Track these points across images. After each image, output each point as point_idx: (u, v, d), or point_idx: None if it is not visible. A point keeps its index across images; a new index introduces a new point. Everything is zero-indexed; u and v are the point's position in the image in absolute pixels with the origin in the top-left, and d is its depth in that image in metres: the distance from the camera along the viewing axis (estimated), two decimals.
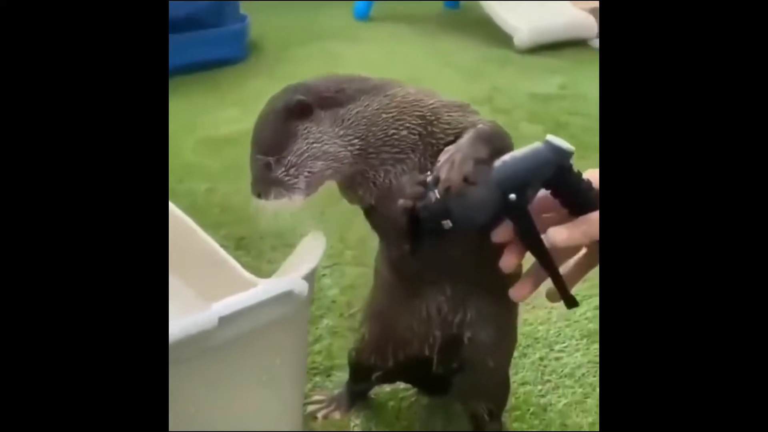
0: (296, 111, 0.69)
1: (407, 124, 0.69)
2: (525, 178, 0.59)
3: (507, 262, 0.62)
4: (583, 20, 2.86)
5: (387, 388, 0.95)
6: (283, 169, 0.69)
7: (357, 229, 1.39)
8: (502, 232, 0.61)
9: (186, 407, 0.59)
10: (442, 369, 0.81)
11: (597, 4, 2.94)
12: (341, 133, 0.69)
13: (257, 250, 1.29)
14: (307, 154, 0.69)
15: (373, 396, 0.94)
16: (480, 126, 0.68)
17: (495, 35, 2.85)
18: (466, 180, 0.60)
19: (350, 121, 0.70)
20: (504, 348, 0.83)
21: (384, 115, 0.69)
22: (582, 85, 2.28)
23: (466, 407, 0.85)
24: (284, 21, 3.06)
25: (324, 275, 1.23)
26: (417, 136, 0.69)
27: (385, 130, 0.69)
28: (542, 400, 0.94)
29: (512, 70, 2.48)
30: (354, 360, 0.88)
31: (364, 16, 3.25)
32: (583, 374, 0.98)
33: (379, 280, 0.82)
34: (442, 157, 0.64)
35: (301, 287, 0.62)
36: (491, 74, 2.41)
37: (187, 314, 0.55)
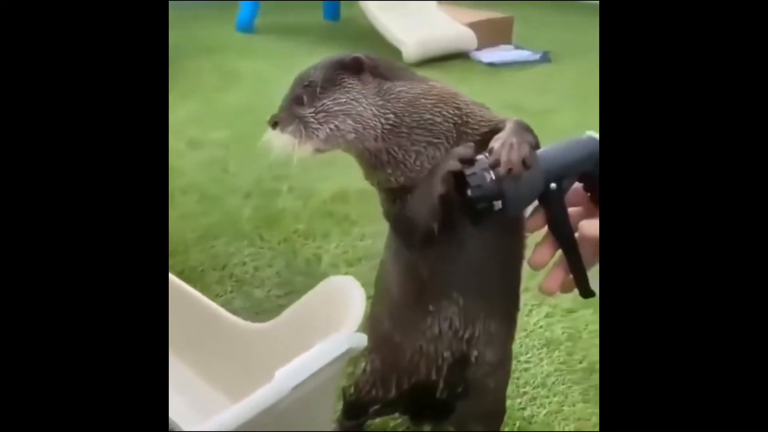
0: (349, 65, 0.70)
1: (444, 112, 0.71)
2: (566, 169, 0.61)
3: (539, 256, 0.63)
4: (465, 34, 2.99)
5: (377, 420, 0.93)
6: (313, 110, 0.69)
7: (305, 252, 1.35)
8: (538, 221, 0.63)
9: None
10: (447, 394, 0.80)
11: (476, 18, 3.10)
12: (380, 103, 0.70)
13: (203, 283, 1.21)
14: (341, 107, 0.69)
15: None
16: (516, 119, 0.71)
17: (378, 48, 2.89)
18: (523, 163, 0.61)
19: (392, 96, 0.71)
20: (505, 368, 0.84)
21: (423, 100, 0.71)
22: (477, 95, 2.37)
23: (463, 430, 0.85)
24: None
25: (281, 305, 1.18)
26: (452, 125, 0.71)
27: (422, 114, 0.71)
28: (525, 413, 0.96)
29: None
30: (350, 396, 0.84)
31: (248, 29, 3.16)
32: (553, 383, 1.02)
33: (385, 305, 0.80)
34: (495, 143, 0.64)
35: (359, 341, 0.59)
36: None
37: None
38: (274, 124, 0.70)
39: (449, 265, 0.73)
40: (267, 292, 1.22)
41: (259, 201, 1.55)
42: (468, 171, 0.62)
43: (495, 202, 0.61)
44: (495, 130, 0.70)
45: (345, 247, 1.37)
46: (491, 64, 2.88)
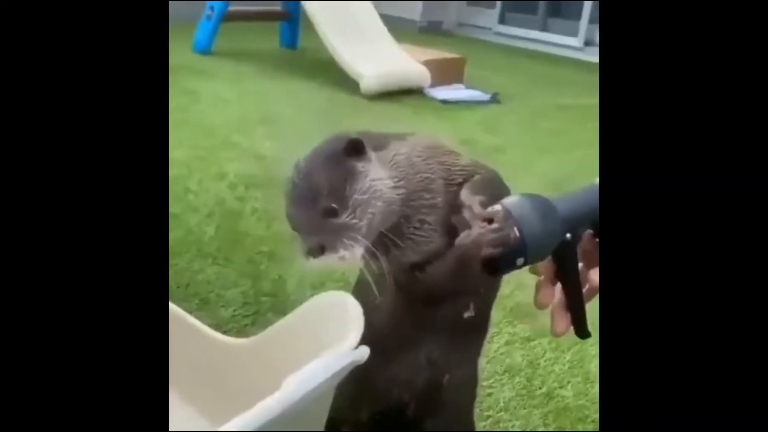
0: (352, 150, 0.65)
1: (435, 168, 0.69)
2: (581, 219, 0.60)
3: (546, 299, 0.62)
4: (420, 71, 3.09)
5: None
6: (350, 211, 0.64)
7: (270, 274, 1.35)
8: (549, 268, 0.61)
9: None
10: (417, 414, 0.81)
11: (430, 57, 3.20)
12: (391, 173, 0.67)
13: None
14: (369, 194, 0.64)
15: None
16: (486, 173, 0.72)
17: (336, 78, 2.95)
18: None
19: (392, 163, 0.67)
20: (473, 385, 0.86)
21: (416, 158, 0.69)
22: (432, 131, 2.45)
23: None
24: None
25: (246, 324, 1.17)
26: (442, 180, 0.69)
27: (421, 173, 0.68)
28: None
29: (365, 116, 2.59)
30: None
31: (205, 50, 3.15)
32: (515, 407, 1.06)
33: (366, 335, 0.82)
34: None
35: (362, 355, 0.60)
36: (347, 119, 2.49)
37: None
38: (321, 249, 0.63)
39: (440, 310, 0.74)
40: (233, 312, 1.22)
41: (222, 221, 1.55)
42: (492, 228, 0.58)
43: (518, 259, 0.58)
44: (468, 179, 0.70)
45: (309, 271, 1.38)
46: (444, 101, 2.98)
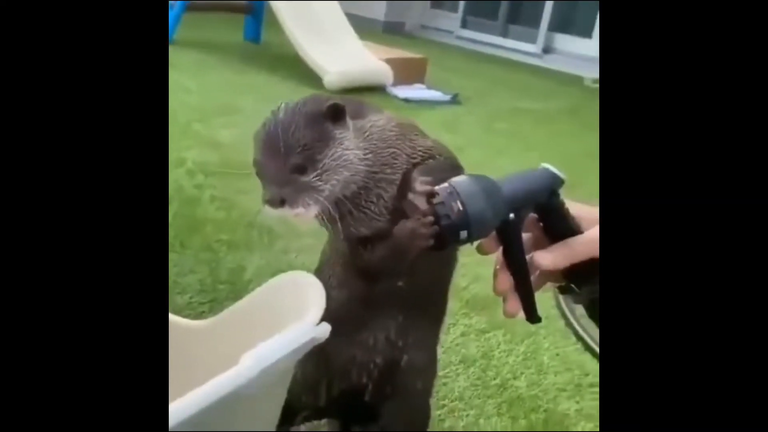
0: (333, 114, 0.66)
1: (403, 145, 0.70)
2: (525, 200, 0.62)
3: (502, 285, 0.63)
4: (383, 69, 3.10)
5: (303, 427, 0.94)
6: (318, 173, 0.65)
7: (228, 262, 1.34)
8: (491, 245, 0.63)
9: None
10: (375, 397, 0.82)
11: (393, 56, 3.21)
12: (361, 145, 0.67)
13: None
14: (339, 162, 0.65)
15: None
16: (443, 159, 0.73)
17: (298, 73, 2.93)
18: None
19: (366, 134, 0.68)
20: (431, 370, 0.87)
21: (389, 132, 0.69)
22: None
23: None
24: None
25: (203, 312, 1.16)
26: (406, 157, 0.70)
27: (390, 147, 0.69)
28: (444, 425, 1.00)
29: None
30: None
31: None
32: (470, 397, 1.07)
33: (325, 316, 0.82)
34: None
35: (323, 332, 0.60)
36: None
37: None
38: (281, 202, 0.65)
39: (395, 291, 0.75)
40: (189, 299, 1.20)
41: (180, 208, 1.52)
42: (436, 201, 0.60)
43: (462, 232, 0.60)
44: (426, 159, 0.71)
45: (268, 258, 1.38)
46: (406, 100, 2.99)
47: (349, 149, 0.67)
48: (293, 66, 3.02)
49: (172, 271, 1.27)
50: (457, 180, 0.62)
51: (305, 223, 0.67)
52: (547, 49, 5.02)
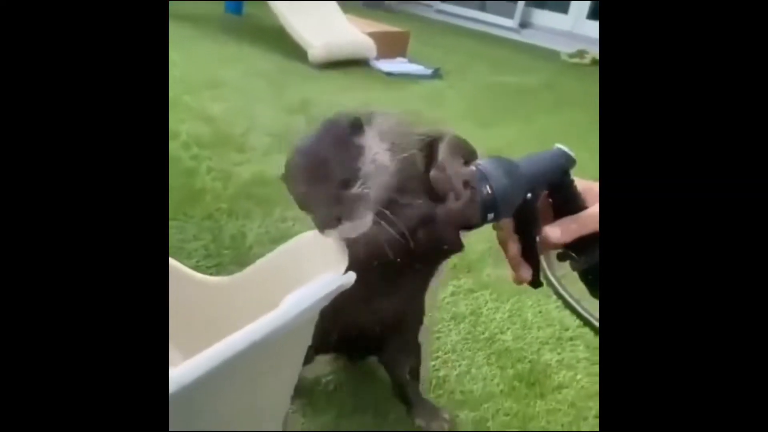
0: (356, 128, 0.70)
1: (413, 136, 0.75)
2: (541, 179, 0.67)
3: (514, 250, 0.70)
4: (366, 42, 3.14)
5: (309, 375, 1.02)
6: (361, 182, 0.68)
7: (229, 229, 1.40)
8: (508, 225, 0.69)
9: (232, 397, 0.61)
10: (379, 336, 0.92)
11: (375, 29, 3.25)
12: (383, 145, 0.71)
13: None
14: (374, 165, 0.69)
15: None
16: (450, 138, 0.77)
17: (282, 46, 2.96)
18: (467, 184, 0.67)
19: (384, 134, 0.72)
20: (421, 316, 0.96)
21: (399, 129, 0.74)
22: (378, 101, 2.53)
23: (393, 372, 0.98)
24: None
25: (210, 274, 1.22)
26: (418, 145, 0.74)
27: (404, 143, 0.73)
28: (439, 374, 1.09)
29: (314, 84, 2.63)
30: None
31: None
32: (461, 349, 1.17)
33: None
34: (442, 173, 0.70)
35: (350, 280, 0.65)
36: (296, 86, 2.52)
37: None
38: (338, 220, 0.66)
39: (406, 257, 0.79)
40: (195, 263, 1.27)
41: (178, 179, 1.58)
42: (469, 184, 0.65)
43: (489, 214, 0.65)
44: (432, 144, 0.75)
45: (267, 227, 1.44)
46: (389, 74, 3.05)
47: (377, 153, 0.70)
48: (276, 38, 3.04)
49: (178, 237, 1.34)
50: (484, 164, 0.66)
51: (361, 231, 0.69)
52: (524, 24, 5.09)
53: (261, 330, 0.58)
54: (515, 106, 2.92)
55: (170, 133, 1.83)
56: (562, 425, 1.01)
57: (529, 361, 1.15)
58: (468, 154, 0.75)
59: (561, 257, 0.70)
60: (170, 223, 1.38)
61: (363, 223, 0.68)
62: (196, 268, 1.25)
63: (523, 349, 1.19)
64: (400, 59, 3.35)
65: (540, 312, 1.31)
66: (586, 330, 1.26)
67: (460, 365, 1.12)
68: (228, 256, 1.30)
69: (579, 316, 1.29)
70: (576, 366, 1.16)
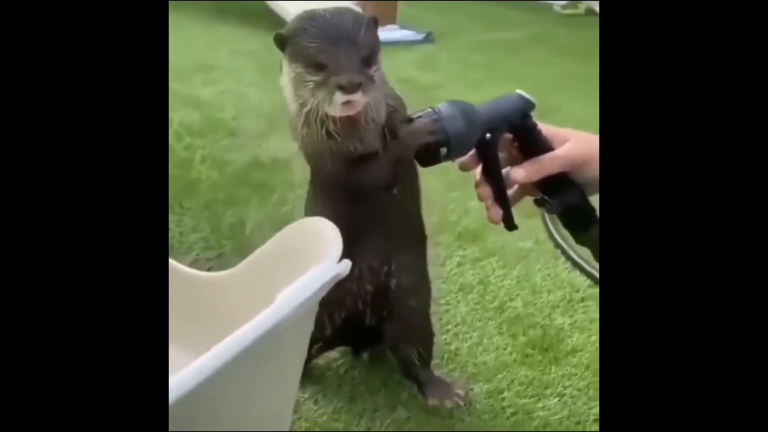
0: (376, 24, 0.78)
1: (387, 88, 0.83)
2: (499, 121, 0.71)
3: (483, 191, 0.73)
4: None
5: (320, 361, 1.01)
6: (375, 68, 0.74)
7: (228, 218, 1.39)
8: (470, 162, 0.73)
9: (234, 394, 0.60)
10: (374, 319, 0.91)
11: (369, 5, 3.18)
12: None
13: None
14: (379, 70, 0.76)
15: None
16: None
17: (267, 23, 2.90)
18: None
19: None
20: (423, 290, 0.95)
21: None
22: None
23: (399, 355, 0.96)
24: None
25: (210, 267, 1.21)
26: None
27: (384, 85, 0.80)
28: (451, 347, 1.08)
29: None
30: None
31: None
32: (471, 320, 1.15)
33: None
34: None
35: (345, 268, 0.65)
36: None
37: None
38: (358, 86, 0.70)
39: (372, 216, 0.83)
40: (196, 256, 1.25)
41: (173, 171, 1.55)
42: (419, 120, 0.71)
43: (442, 149, 0.70)
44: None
45: (267, 212, 1.42)
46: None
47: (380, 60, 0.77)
48: (261, 16, 2.98)
49: (177, 231, 1.32)
50: (441, 106, 0.71)
51: (353, 112, 0.74)
52: None
53: (252, 333, 0.56)
54: (508, 63, 2.86)
55: None
56: (579, 389, 1.00)
57: (541, 327, 1.14)
58: None
59: (537, 203, 0.73)
60: (169, 216, 1.37)
61: (365, 102, 0.72)
62: (197, 261, 1.24)
63: (534, 314, 1.17)
64: (390, 26, 3.27)
65: (549, 275, 1.29)
66: (597, 290, 1.24)
67: (471, 337, 1.11)
68: (228, 246, 1.29)
69: (589, 275, 1.27)
70: (589, 327, 1.14)
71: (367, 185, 0.81)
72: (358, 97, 0.70)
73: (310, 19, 0.74)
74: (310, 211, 0.87)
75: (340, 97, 0.70)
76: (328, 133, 0.75)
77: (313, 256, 0.68)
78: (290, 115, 0.79)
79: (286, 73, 0.76)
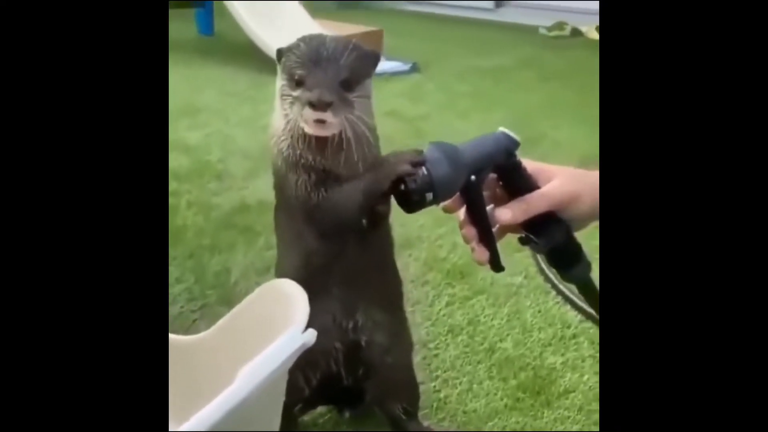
0: (374, 61, 0.79)
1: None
2: (484, 162, 0.69)
3: (468, 233, 0.70)
4: None
5: (306, 417, 0.99)
6: (357, 95, 0.74)
7: (213, 266, 1.37)
8: (455, 205, 0.70)
9: None
10: (351, 379, 0.87)
11: (349, 31, 3.20)
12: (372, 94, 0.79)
13: None
14: (365, 97, 0.76)
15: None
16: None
17: (255, 61, 2.92)
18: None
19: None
20: (401, 346, 0.91)
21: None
22: None
23: (384, 410, 0.93)
24: None
25: (195, 320, 1.20)
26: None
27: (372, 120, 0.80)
28: (440, 395, 1.06)
29: None
30: None
31: None
32: (461, 365, 1.13)
33: None
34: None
35: (311, 338, 0.63)
36: (270, 101, 2.47)
37: None
38: (328, 105, 0.71)
39: (335, 261, 0.80)
40: (180, 309, 1.23)
41: None
42: None
43: (427, 194, 0.67)
44: None
45: (252, 257, 1.41)
46: None
47: (370, 91, 0.78)
48: (249, 55, 3.00)
49: None
50: (426, 149, 0.69)
51: (327, 133, 0.74)
52: (499, 3, 5.01)
53: (215, 413, 0.55)
54: (495, 91, 2.87)
55: None
56: None
57: (532, 368, 1.11)
58: None
59: (522, 241, 0.71)
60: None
61: (336, 124, 0.73)
62: (181, 314, 1.22)
63: (525, 354, 1.15)
64: None
65: (539, 311, 1.27)
66: (589, 325, 1.22)
67: (460, 383, 1.09)
68: (213, 297, 1.27)
69: (580, 309, 1.25)
70: (581, 366, 1.12)
71: (331, 212, 0.78)
72: (329, 117, 0.71)
73: (307, 38, 0.77)
74: (280, 250, 0.87)
75: (310, 114, 0.71)
76: (301, 148, 0.77)
77: (281, 322, 0.67)
78: (273, 129, 0.81)
79: (278, 87, 0.79)
